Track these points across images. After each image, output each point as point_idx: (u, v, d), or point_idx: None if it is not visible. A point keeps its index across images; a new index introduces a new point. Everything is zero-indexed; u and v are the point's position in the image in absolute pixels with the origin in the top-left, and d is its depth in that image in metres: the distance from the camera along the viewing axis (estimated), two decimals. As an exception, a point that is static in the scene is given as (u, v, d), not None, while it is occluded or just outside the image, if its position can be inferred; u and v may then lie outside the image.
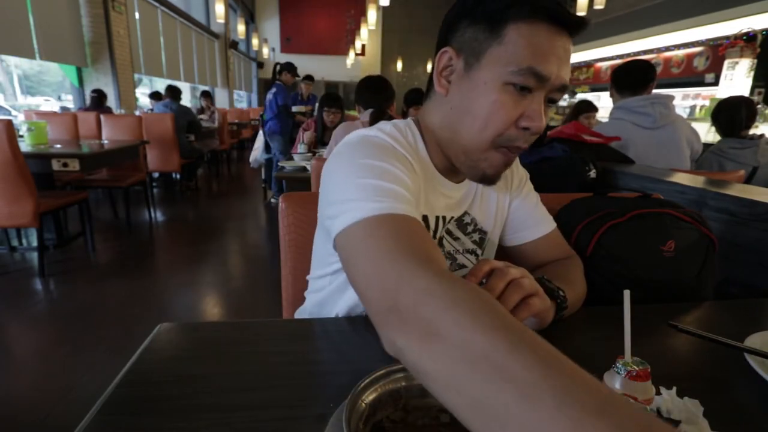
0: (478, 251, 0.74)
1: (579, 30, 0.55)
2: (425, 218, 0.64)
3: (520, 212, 0.76)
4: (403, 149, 0.59)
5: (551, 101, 0.57)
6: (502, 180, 0.69)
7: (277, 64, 4.49)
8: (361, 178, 0.50)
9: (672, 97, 1.88)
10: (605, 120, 2.12)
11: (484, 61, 0.54)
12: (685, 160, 1.84)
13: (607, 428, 0.23)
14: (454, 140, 0.60)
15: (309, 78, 5.20)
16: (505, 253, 0.80)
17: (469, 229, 0.73)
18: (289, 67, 4.40)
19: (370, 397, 0.39)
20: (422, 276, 0.37)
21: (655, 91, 1.90)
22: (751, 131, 2.08)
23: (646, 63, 1.93)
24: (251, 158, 4.29)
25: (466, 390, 0.28)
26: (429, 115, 0.64)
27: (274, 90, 4.21)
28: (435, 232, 0.68)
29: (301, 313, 0.82)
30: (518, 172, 0.78)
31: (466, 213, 0.72)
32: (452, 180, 0.68)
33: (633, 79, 1.88)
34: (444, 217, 0.68)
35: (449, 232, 0.71)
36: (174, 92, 4.97)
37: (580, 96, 9.10)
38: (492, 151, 0.57)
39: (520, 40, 0.52)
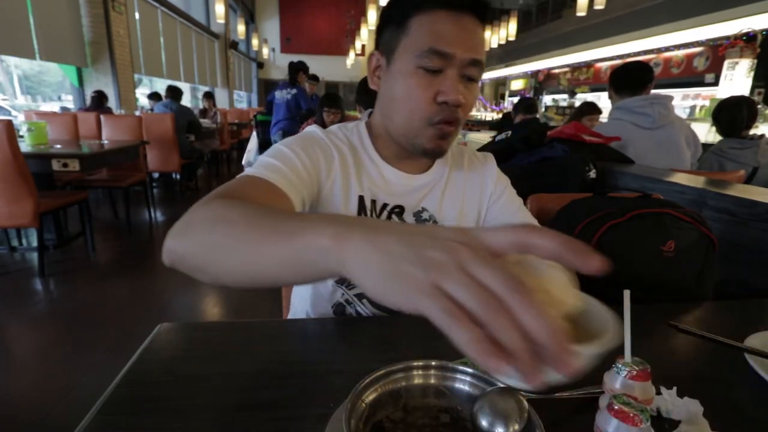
0: None
1: (479, 10, 0.62)
2: (361, 198, 0.70)
3: (499, 219, 0.76)
4: (333, 143, 0.70)
5: (471, 79, 0.64)
6: (474, 186, 0.75)
7: (292, 62, 4.48)
8: (265, 155, 0.64)
9: (671, 98, 1.88)
10: (596, 126, 2.13)
11: (398, 53, 0.64)
12: (685, 160, 1.84)
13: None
14: (391, 126, 0.69)
15: (314, 78, 5.20)
16: None
17: (429, 225, 0.73)
18: (305, 68, 4.41)
19: (370, 397, 0.39)
20: (211, 200, 0.46)
21: (654, 91, 1.90)
22: (752, 131, 2.08)
23: (644, 65, 1.93)
24: (244, 160, 4.28)
25: (213, 241, 0.39)
26: (374, 113, 0.74)
27: (294, 92, 4.19)
28: (371, 213, 0.71)
29: (293, 314, 0.84)
30: (494, 177, 0.78)
31: (423, 209, 0.73)
32: (402, 170, 0.73)
33: (631, 80, 1.88)
34: (385, 204, 0.71)
35: (420, 222, 0.72)
36: (174, 92, 4.97)
37: (580, 96, 9.12)
38: (424, 128, 0.64)
39: (421, 28, 0.61)
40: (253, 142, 4.28)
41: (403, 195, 0.72)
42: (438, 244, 0.26)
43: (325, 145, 0.69)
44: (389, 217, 0.71)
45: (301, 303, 0.79)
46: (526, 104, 3.39)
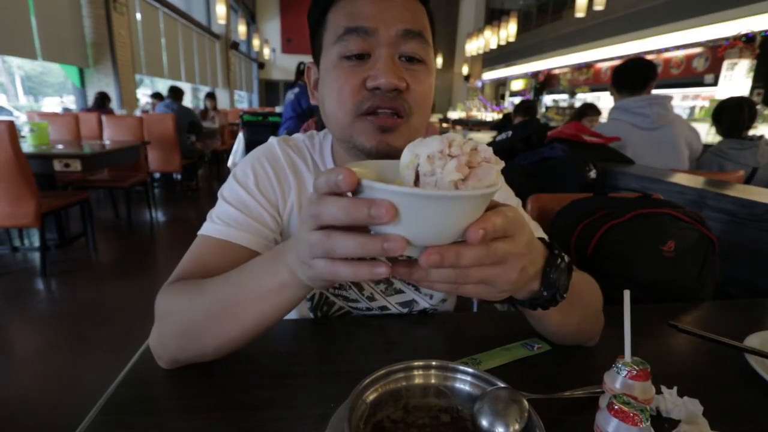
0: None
1: None
2: None
3: None
4: (291, 164, 0.65)
5: (412, 59, 0.54)
6: None
7: (300, 63, 4.48)
8: (223, 199, 0.62)
9: (670, 98, 1.88)
10: (596, 126, 2.13)
11: (323, 52, 0.58)
12: (684, 161, 1.84)
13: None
14: (332, 129, 0.62)
15: None
16: None
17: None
18: None
19: (370, 396, 0.39)
20: (163, 290, 0.52)
21: (654, 91, 1.90)
22: (751, 132, 2.08)
23: (647, 62, 1.93)
24: (230, 161, 4.24)
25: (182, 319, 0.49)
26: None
27: (297, 90, 4.19)
28: None
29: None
30: None
31: None
32: None
33: (633, 78, 1.88)
34: None
35: None
36: (176, 93, 4.99)
37: (580, 96, 9.11)
38: (357, 122, 0.55)
39: (337, 17, 0.55)
40: (239, 143, 4.25)
41: None
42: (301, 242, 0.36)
43: (281, 169, 0.65)
44: None
45: None
46: (526, 106, 3.41)
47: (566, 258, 0.45)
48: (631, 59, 1.99)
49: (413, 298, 0.70)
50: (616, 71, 1.94)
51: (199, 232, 0.60)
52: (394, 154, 0.45)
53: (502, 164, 0.32)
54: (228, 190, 0.62)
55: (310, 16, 0.61)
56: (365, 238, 0.30)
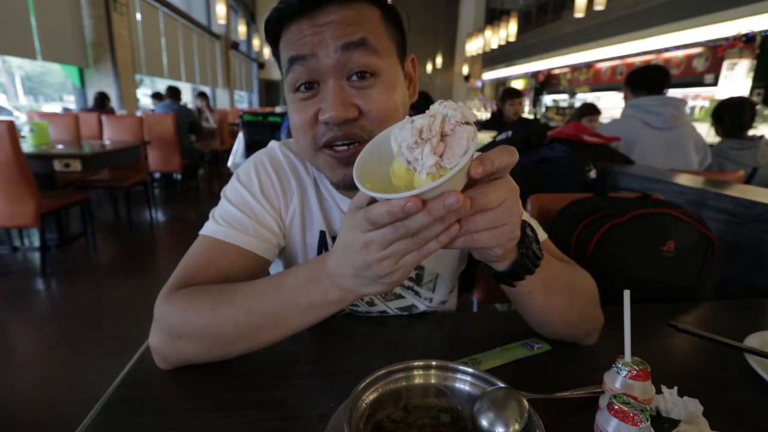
0: (417, 287, 0.69)
1: None
2: (322, 233, 0.65)
3: None
4: (293, 170, 0.65)
5: (361, 75, 0.51)
6: None
7: None
8: (226, 199, 0.61)
9: (685, 102, 1.88)
10: (607, 122, 2.13)
11: (283, 82, 0.56)
12: (692, 165, 1.83)
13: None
14: (302, 155, 0.65)
15: None
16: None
17: None
18: None
19: (370, 396, 0.39)
20: (169, 295, 0.52)
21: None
22: (751, 132, 2.09)
23: (663, 69, 1.96)
24: (230, 162, 4.24)
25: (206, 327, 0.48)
26: None
27: None
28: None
29: None
30: None
31: None
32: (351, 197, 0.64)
33: (651, 81, 1.90)
34: None
35: None
36: (174, 92, 5.01)
37: (580, 96, 9.11)
38: (319, 154, 0.55)
39: (284, 48, 0.53)
40: (239, 143, 4.25)
41: None
42: (352, 249, 0.39)
43: (284, 174, 0.64)
44: None
45: None
46: (512, 92, 3.53)
47: (533, 227, 0.49)
48: (648, 65, 2.03)
49: (413, 303, 0.70)
50: (634, 74, 1.97)
51: (202, 232, 0.59)
52: None
53: (472, 125, 0.35)
54: (232, 191, 0.62)
55: (272, 51, 0.59)
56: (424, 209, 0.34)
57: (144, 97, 6.76)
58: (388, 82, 0.53)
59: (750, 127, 2.07)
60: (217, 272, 0.54)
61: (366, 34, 0.50)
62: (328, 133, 0.52)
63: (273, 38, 0.55)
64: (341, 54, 0.50)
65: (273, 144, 0.68)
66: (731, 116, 2.04)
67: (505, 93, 3.75)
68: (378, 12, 0.53)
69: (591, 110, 3.31)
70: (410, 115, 0.37)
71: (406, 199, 0.32)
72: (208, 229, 0.58)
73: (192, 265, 0.55)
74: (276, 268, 0.72)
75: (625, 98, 2.00)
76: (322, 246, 0.65)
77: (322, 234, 0.65)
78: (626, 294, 0.44)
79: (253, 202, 0.60)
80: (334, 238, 0.65)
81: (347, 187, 0.55)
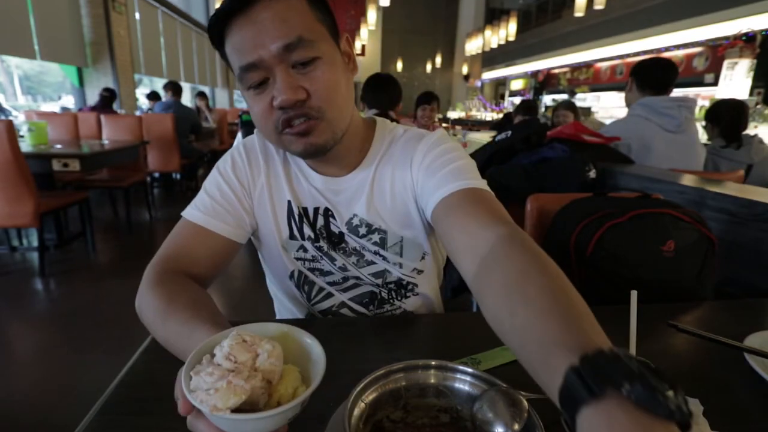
0: (383, 252, 0.71)
1: None
2: (289, 203, 0.70)
3: (425, 180, 0.65)
4: (264, 151, 0.71)
5: (303, 64, 0.56)
6: (404, 167, 0.68)
7: None
8: (205, 184, 0.69)
9: (695, 101, 1.82)
10: (606, 120, 2.12)
11: (237, 81, 0.60)
12: (700, 166, 1.82)
13: None
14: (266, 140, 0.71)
15: None
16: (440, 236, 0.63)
17: (362, 231, 0.69)
18: None
19: (370, 396, 0.39)
20: (147, 279, 0.61)
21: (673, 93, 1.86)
22: (749, 132, 2.11)
23: (670, 63, 1.86)
24: None
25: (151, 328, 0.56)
26: None
27: None
28: (302, 219, 0.70)
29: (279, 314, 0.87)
30: (428, 144, 0.68)
31: (354, 215, 0.69)
32: (326, 173, 0.69)
33: (656, 77, 1.82)
34: (316, 208, 0.70)
35: (353, 230, 0.69)
36: (175, 88, 4.76)
37: (580, 96, 9.11)
38: (281, 137, 0.60)
39: (231, 53, 0.57)
40: (237, 143, 4.24)
41: (332, 199, 0.69)
42: None
43: (254, 154, 0.71)
44: (325, 219, 0.69)
45: (271, 287, 0.85)
46: (527, 106, 3.44)
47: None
48: (654, 58, 1.91)
49: (384, 268, 0.72)
50: (641, 67, 1.86)
51: (182, 213, 0.66)
52: (322, 150, 0.60)
53: (245, 389, 0.36)
54: (210, 178, 0.69)
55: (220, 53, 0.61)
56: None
57: (142, 96, 6.73)
58: (328, 62, 0.58)
59: (745, 129, 2.09)
60: (189, 254, 0.62)
61: (300, 32, 0.54)
62: (283, 116, 0.57)
63: (218, 42, 0.58)
64: (283, 52, 0.54)
65: (255, 132, 0.74)
66: (731, 119, 2.05)
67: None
68: (304, 1, 0.57)
69: (564, 107, 3.34)
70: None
71: None
72: (186, 211, 0.65)
73: (172, 244, 0.63)
74: (256, 245, 0.77)
75: (629, 90, 1.91)
76: (290, 215, 0.70)
77: (289, 203, 0.70)
78: (633, 295, 0.44)
79: (224, 185, 0.67)
80: (300, 208, 0.70)
81: (309, 155, 0.62)
